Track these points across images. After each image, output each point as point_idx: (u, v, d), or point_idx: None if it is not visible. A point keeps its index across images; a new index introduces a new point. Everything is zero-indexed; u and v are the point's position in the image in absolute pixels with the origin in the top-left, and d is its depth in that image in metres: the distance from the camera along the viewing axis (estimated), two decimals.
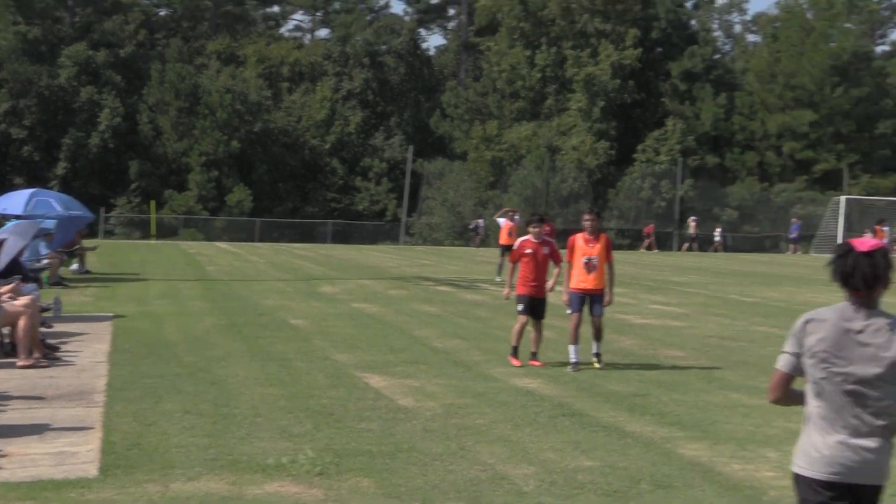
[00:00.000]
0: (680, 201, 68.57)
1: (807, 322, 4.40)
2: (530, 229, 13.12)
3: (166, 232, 63.64)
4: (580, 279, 12.81)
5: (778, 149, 71.31)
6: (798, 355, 4.41)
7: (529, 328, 12.99)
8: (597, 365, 12.76)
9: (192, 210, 67.81)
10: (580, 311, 12.82)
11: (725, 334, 16.71)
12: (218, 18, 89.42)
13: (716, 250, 62.74)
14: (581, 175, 68.22)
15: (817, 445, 4.34)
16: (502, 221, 30.01)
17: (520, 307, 12.91)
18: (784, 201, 69.23)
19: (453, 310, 19.87)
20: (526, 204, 63.99)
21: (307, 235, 68.05)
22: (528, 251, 12.95)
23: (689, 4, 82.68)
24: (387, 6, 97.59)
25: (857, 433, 4.28)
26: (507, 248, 28.71)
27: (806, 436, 4.41)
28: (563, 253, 13.09)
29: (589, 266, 12.76)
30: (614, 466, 7.76)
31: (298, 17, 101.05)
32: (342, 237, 68.81)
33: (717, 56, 79.85)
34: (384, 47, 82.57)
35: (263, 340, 14.52)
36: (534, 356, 12.85)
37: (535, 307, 12.91)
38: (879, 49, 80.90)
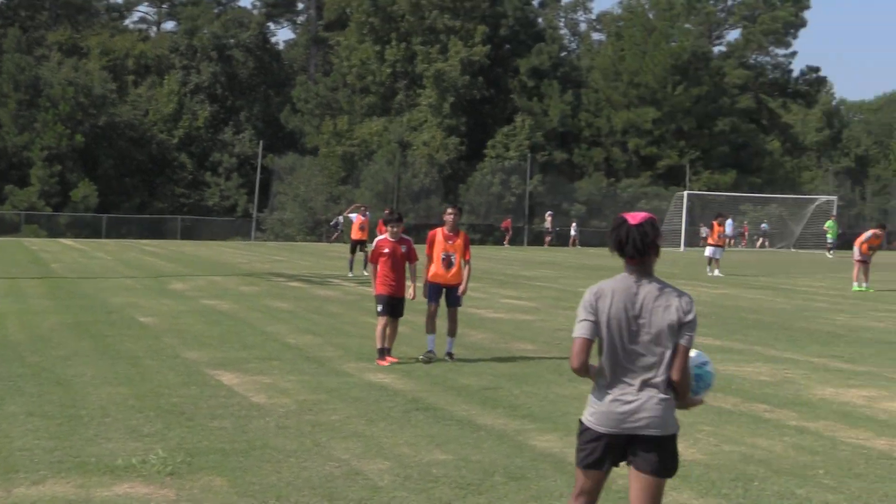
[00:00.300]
0: (529, 196, 69.60)
1: (594, 293, 4.87)
2: (389, 228, 13.06)
3: (7, 228, 61.63)
4: (438, 273, 12.92)
5: (623, 145, 73.07)
6: (593, 322, 4.83)
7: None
8: (448, 360, 12.87)
9: (34, 206, 65.69)
10: (437, 302, 12.96)
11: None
12: (58, 8, 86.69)
13: (574, 244, 64.16)
14: (432, 170, 68.62)
15: (602, 401, 4.84)
16: (354, 217, 30.05)
17: (379, 307, 12.75)
18: (630, 196, 70.98)
19: (305, 306, 19.79)
20: (378, 199, 64.05)
21: (156, 231, 66.79)
22: (386, 251, 12.89)
23: (535, 2, 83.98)
24: None
25: (638, 389, 4.77)
26: (358, 243, 28.84)
27: (593, 393, 4.92)
28: (422, 248, 13.10)
29: (447, 262, 12.90)
30: (468, 459, 7.84)
31: (143, 8, 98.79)
32: (192, 233, 67.75)
33: (563, 54, 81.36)
34: (232, 41, 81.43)
35: (112, 339, 14.19)
36: (388, 352, 12.84)
37: (394, 306, 12.85)
38: (717, 49, 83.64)
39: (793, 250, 64.90)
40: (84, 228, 64.70)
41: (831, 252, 54.57)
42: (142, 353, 12.98)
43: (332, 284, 25.67)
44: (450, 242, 12.95)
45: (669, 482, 7.27)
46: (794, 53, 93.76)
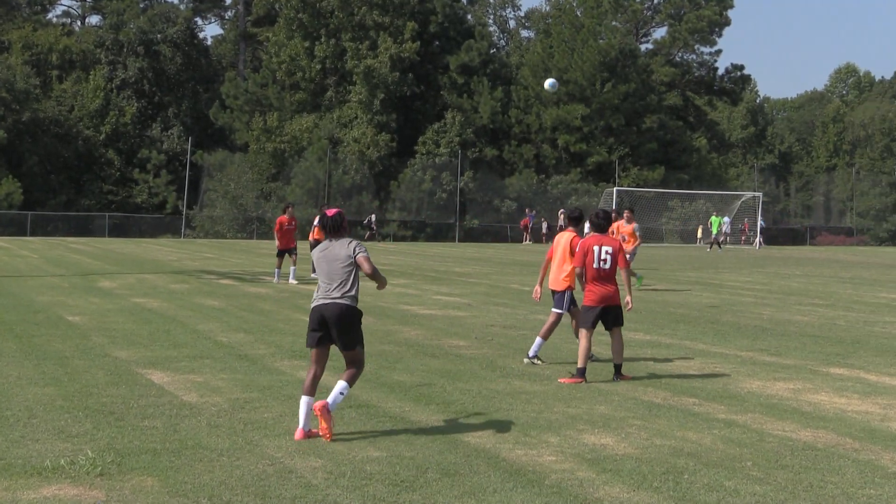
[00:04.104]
0: (460, 193, 69.75)
1: (318, 248, 8.75)
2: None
3: None
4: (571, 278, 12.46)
5: (553, 142, 73.50)
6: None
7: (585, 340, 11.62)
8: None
9: None
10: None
11: (507, 323, 17.13)
12: None
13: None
14: (363, 167, 68.48)
15: (315, 298, 8.59)
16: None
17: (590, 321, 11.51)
18: (560, 192, 71.44)
19: (237, 303, 19.66)
20: (309, 196, 63.83)
21: (83, 229, 65.91)
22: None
23: None
24: None
25: (331, 295, 8.46)
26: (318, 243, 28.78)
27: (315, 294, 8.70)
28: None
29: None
30: (401, 456, 7.85)
31: (67, 2, 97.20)
32: (120, 230, 66.95)
33: (493, 51, 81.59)
34: (159, 36, 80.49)
35: (38, 338, 13.97)
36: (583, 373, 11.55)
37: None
38: (644, 47, 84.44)
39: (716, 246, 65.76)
40: (8, 226, 63.62)
41: (711, 247, 55.82)
42: (70, 352, 12.80)
43: (264, 282, 25.52)
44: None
45: (601, 477, 7.35)
46: (718, 52, 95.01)
